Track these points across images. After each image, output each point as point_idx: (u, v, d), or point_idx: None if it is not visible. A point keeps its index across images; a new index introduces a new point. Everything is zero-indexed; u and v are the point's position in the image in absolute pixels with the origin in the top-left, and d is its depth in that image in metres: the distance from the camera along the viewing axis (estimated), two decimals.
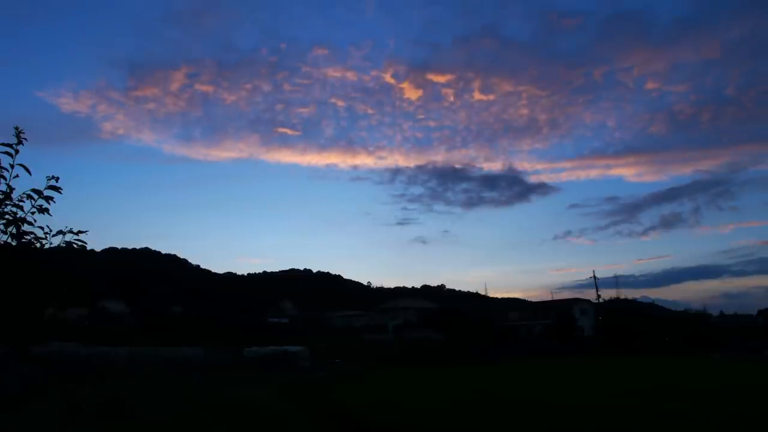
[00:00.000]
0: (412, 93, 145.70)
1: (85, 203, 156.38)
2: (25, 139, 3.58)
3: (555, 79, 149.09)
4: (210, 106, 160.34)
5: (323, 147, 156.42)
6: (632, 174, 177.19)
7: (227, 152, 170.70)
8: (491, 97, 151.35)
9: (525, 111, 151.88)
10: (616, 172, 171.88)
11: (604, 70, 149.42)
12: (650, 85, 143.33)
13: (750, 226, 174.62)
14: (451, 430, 9.83)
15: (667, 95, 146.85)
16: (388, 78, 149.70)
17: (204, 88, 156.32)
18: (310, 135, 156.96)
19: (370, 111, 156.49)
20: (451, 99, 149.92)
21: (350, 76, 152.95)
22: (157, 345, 37.06)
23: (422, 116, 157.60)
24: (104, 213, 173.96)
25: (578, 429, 9.66)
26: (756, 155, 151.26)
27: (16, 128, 3.58)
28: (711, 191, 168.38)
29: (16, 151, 3.53)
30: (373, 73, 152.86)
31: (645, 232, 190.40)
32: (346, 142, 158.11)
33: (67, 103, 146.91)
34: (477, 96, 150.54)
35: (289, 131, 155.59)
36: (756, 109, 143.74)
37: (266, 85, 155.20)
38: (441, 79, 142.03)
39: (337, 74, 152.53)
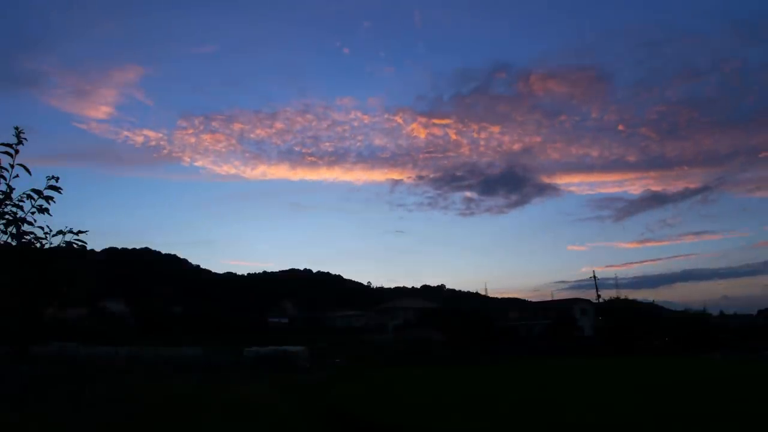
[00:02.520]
0: (420, 132, 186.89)
1: (107, 208, 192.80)
2: (25, 139, 3.55)
3: (539, 124, 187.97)
4: (246, 141, 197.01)
5: (347, 170, 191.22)
6: (622, 187, 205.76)
7: (258, 174, 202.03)
8: (486, 135, 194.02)
9: (518, 145, 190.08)
10: (607, 189, 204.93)
11: (578, 118, 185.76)
12: (620, 128, 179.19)
13: (737, 233, 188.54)
14: (451, 430, 9.83)
15: (634, 135, 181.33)
16: (399, 120, 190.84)
17: (242, 126, 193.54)
18: (333, 162, 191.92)
19: (387, 145, 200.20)
20: (454, 137, 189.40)
21: (368, 119, 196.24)
22: (157, 345, 37.09)
23: (431, 149, 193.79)
24: (115, 216, 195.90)
25: (578, 428, 9.66)
26: (729, 172, 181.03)
27: (16, 128, 3.55)
28: (695, 199, 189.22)
29: (16, 151, 3.50)
30: (386, 116, 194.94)
31: (639, 237, 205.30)
32: (367, 166, 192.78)
33: (123, 138, 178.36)
34: (475, 135, 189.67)
35: (316, 159, 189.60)
36: (715, 144, 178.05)
37: (296, 125, 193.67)
38: (443, 122, 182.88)
39: (357, 117, 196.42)
